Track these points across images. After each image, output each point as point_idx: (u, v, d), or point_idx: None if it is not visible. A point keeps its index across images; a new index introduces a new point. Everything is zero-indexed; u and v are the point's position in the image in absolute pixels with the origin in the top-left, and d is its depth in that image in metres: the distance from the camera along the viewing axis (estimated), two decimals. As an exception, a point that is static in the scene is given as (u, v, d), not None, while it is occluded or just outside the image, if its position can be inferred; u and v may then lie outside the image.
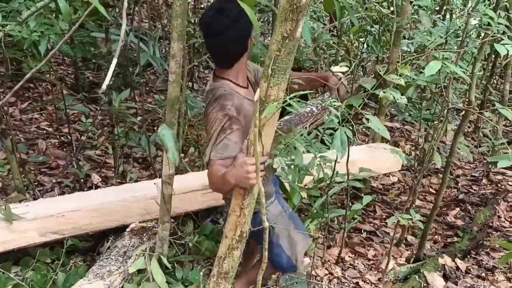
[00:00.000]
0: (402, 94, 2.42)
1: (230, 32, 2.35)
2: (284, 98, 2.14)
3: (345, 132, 2.35)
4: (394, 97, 2.24)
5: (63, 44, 3.15)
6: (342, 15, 4.16)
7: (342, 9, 2.55)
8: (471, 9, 3.43)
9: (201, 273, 3.01)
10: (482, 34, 4.38)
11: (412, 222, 4.37)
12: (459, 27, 4.53)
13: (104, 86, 2.18)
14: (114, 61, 2.26)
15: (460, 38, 5.40)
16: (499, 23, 2.57)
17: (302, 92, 2.18)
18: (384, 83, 3.40)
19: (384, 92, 2.26)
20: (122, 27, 2.34)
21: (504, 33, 2.66)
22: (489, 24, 2.65)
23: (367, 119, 2.33)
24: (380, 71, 2.31)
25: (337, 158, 3.19)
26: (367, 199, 3.35)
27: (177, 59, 2.39)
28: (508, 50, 2.27)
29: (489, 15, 2.57)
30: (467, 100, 3.23)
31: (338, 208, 4.00)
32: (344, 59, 7.60)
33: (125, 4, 2.36)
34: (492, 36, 2.58)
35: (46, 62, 3.69)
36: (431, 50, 2.73)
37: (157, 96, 6.08)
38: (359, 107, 2.28)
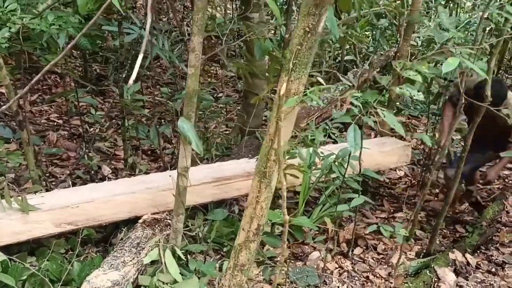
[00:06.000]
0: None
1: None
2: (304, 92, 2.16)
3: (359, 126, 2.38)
4: (410, 93, 2.25)
5: (81, 37, 3.15)
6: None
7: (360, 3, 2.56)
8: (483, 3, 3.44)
9: (217, 265, 3.03)
10: (488, 28, 4.39)
11: (420, 217, 4.46)
12: (470, 21, 4.55)
13: (131, 81, 2.21)
14: (140, 56, 2.29)
15: (467, 33, 5.43)
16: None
17: (322, 87, 2.19)
18: (398, 78, 3.42)
19: (400, 88, 2.28)
20: (147, 22, 2.36)
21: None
22: (506, 20, 2.66)
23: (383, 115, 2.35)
24: (396, 67, 2.32)
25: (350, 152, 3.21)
26: (357, 201, 3.37)
27: (196, 53, 2.41)
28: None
29: (510, 12, 2.56)
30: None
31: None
32: (349, 53, 7.63)
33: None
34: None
35: (48, 54, 3.71)
36: (450, 46, 2.72)
37: (164, 89, 6.11)
38: (374, 102, 2.29)
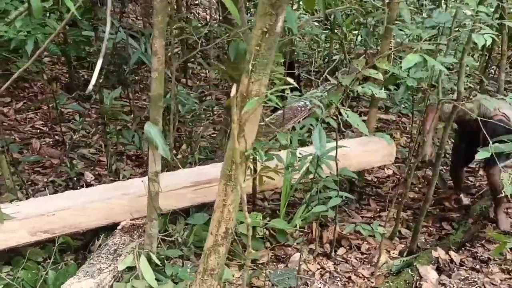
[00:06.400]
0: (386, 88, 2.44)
1: None
2: (265, 93, 2.14)
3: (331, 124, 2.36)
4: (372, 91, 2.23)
5: (50, 43, 3.13)
6: (327, 8, 4.14)
7: (324, 3, 2.53)
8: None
9: (189, 270, 3.01)
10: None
11: (407, 215, 4.43)
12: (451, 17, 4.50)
13: (90, 87, 2.19)
14: (100, 61, 2.27)
15: (456, 29, 5.40)
16: (478, 11, 2.54)
17: (282, 87, 2.17)
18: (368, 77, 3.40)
19: (362, 87, 2.26)
20: (106, 27, 2.34)
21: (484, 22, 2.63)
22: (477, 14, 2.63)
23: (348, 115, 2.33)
24: (357, 65, 2.30)
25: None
26: (334, 201, 3.35)
27: (159, 56, 2.39)
28: (486, 40, 2.26)
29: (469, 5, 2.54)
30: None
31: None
32: (338, 52, 7.60)
33: (109, 4, 2.37)
34: (473, 26, 2.56)
35: (34, 61, 3.69)
36: (414, 43, 2.70)
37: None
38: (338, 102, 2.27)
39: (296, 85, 2.62)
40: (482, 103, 3.56)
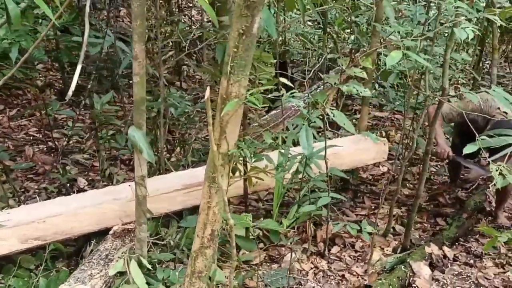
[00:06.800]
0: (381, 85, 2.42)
1: None
2: (244, 94, 2.14)
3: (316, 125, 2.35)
4: (357, 90, 2.23)
5: (36, 50, 3.14)
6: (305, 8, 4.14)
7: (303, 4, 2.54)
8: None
9: (177, 273, 3.01)
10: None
11: (401, 212, 4.42)
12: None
13: (70, 92, 2.19)
14: (78, 66, 2.28)
15: (447, 25, 5.40)
16: (458, 7, 2.54)
17: (262, 88, 2.17)
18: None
19: (347, 86, 2.26)
20: (85, 32, 2.34)
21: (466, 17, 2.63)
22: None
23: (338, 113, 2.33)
24: (342, 64, 2.30)
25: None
26: (324, 200, 3.35)
27: (139, 60, 2.39)
28: (468, 34, 2.26)
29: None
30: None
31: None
32: (332, 51, 7.59)
33: (87, 9, 2.37)
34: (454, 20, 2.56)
35: (25, 68, 3.70)
36: (396, 39, 2.70)
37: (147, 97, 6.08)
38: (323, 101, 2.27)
39: (291, 85, 2.63)
40: (481, 100, 3.59)
